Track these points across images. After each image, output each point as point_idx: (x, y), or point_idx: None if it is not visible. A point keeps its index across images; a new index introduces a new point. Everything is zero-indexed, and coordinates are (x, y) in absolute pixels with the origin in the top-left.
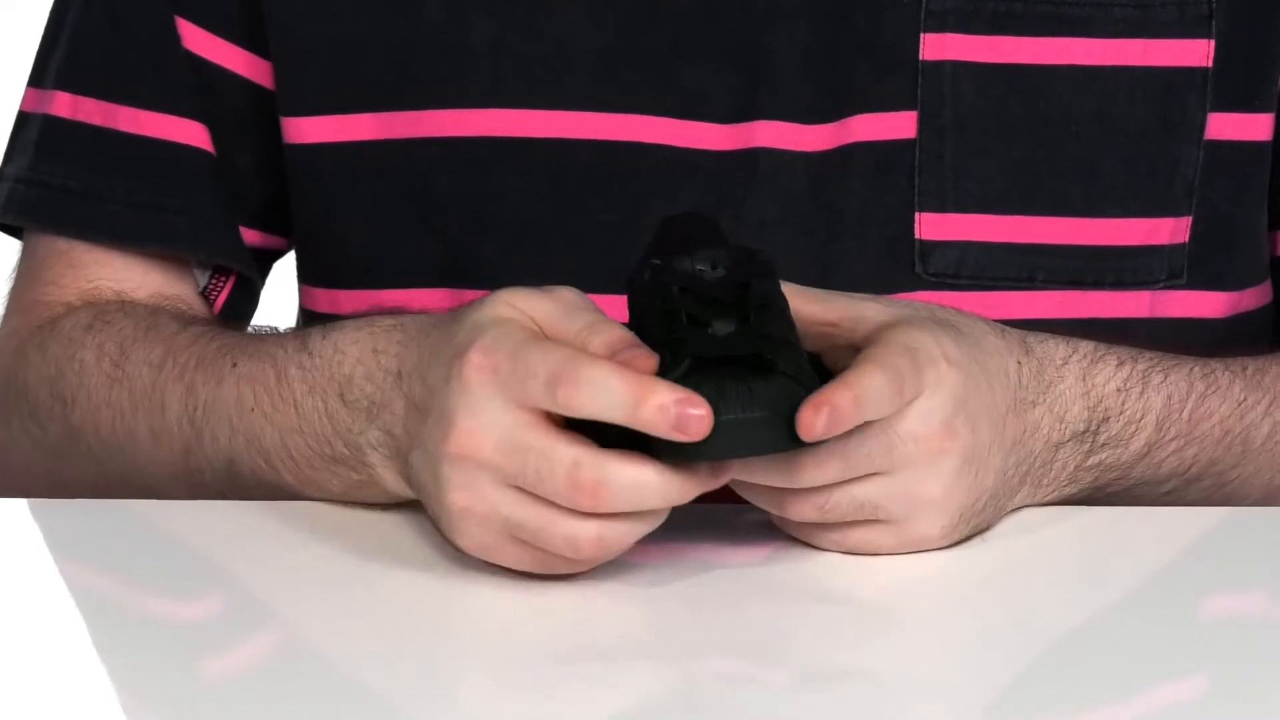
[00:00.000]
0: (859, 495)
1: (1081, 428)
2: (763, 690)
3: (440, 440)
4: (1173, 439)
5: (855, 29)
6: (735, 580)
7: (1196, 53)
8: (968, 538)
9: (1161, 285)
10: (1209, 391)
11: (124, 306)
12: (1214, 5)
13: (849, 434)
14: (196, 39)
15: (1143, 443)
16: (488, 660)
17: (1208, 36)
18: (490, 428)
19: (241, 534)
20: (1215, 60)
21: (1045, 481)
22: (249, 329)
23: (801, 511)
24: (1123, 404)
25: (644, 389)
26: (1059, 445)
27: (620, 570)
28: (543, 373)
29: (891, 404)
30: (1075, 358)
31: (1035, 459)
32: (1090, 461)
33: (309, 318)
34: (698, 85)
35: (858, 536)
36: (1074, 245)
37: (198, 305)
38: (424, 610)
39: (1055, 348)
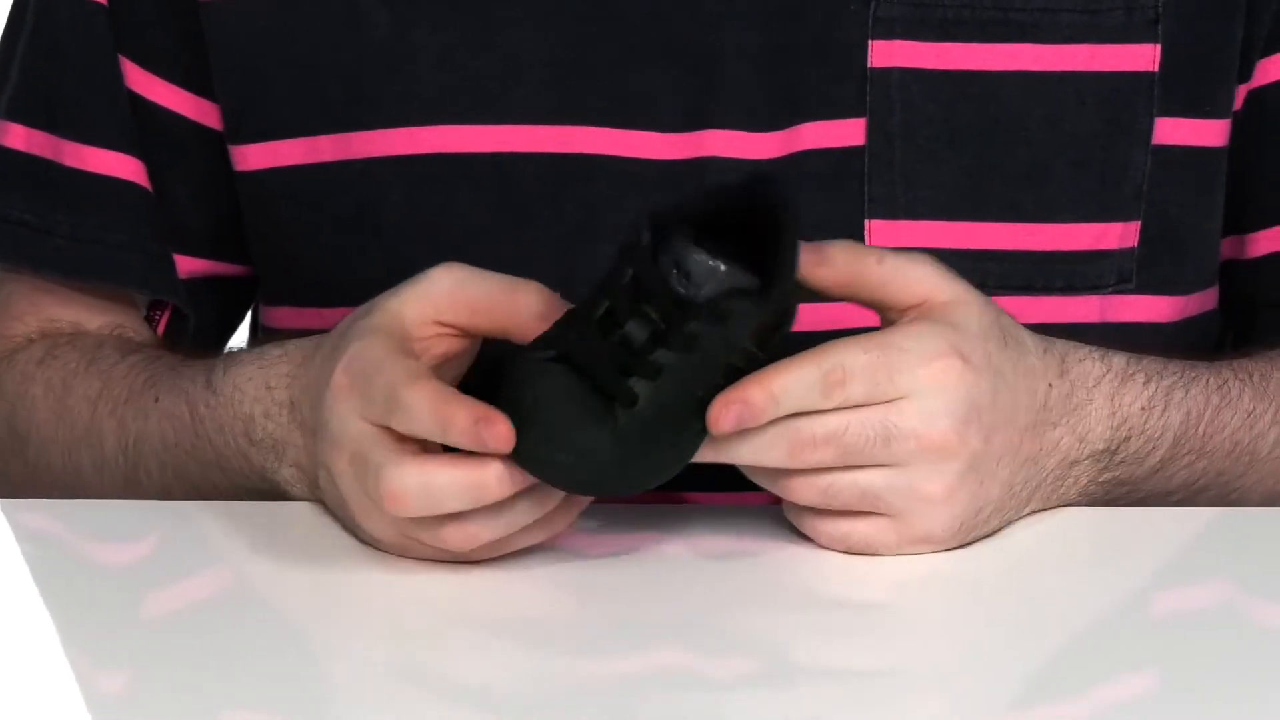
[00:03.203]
0: (862, 482)
1: (1101, 447)
2: (758, 686)
3: (319, 453)
4: (1186, 454)
5: (804, 36)
6: (732, 577)
7: (1143, 57)
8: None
9: (1110, 290)
10: (1223, 404)
11: (74, 339)
12: (1160, 10)
13: (844, 422)
14: (137, 78)
15: (1158, 459)
16: (472, 650)
17: (1154, 41)
18: (343, 443)
19: (217, 532)
20: (1162, 65)
21: (1055, 496)
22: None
23: (804, 493)
24: (1145, 423)
25: (446, 415)
26: (1075, 463)
27: (610, 566)
28: (380, 397)
29: (823, 400)
30: (1108, 378)
31: (1048, 475)
32: (1104, 477)
33: (271, 336)
34: (647, 95)
35: (860, 532)
36: (1024, 251)
37: (144, 331)
38: (406, 604)
39: (1091, 368)
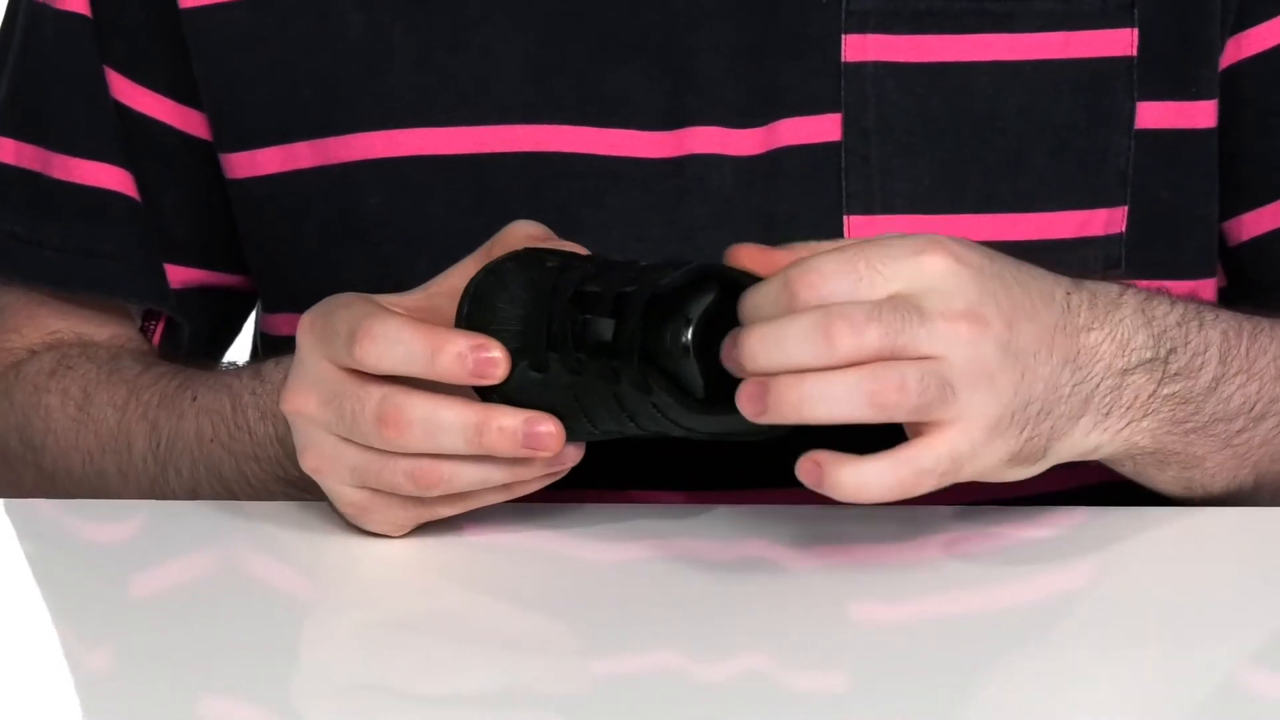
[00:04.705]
0: (926, 366)
1: (1149, 355)
2: (757, 688)
3: (282, 402)
4: (1236, 373)
5: (779, 30)
6: (731, 579)
7: (1120, 42)
8: (1020, 463)
9: (1099, 276)
10: (1256, 331)
11: (86, 350)
12: None
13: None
14: (123, 89)
15: (1210, 376)
16: (464, 646)
17: (1131, 26)
18: (311, 382)
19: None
20: (1141, 49)
21: (1115, 410)
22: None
23: (889, 396)
24: (1186, 336)
25: (439, 339)
26: (1126, 372)
27: (608, 568)
28: (344, 330)
29: (778, 305)
30: (1130, 293)
31: (1098, 385)
32: (1164, 391)
33: (269, 343)
34: (624, 92)
35: (939, 447)
36: (1005, 241)
37: (143, 343)
38: (400, 601)
39: (1108, 284)
